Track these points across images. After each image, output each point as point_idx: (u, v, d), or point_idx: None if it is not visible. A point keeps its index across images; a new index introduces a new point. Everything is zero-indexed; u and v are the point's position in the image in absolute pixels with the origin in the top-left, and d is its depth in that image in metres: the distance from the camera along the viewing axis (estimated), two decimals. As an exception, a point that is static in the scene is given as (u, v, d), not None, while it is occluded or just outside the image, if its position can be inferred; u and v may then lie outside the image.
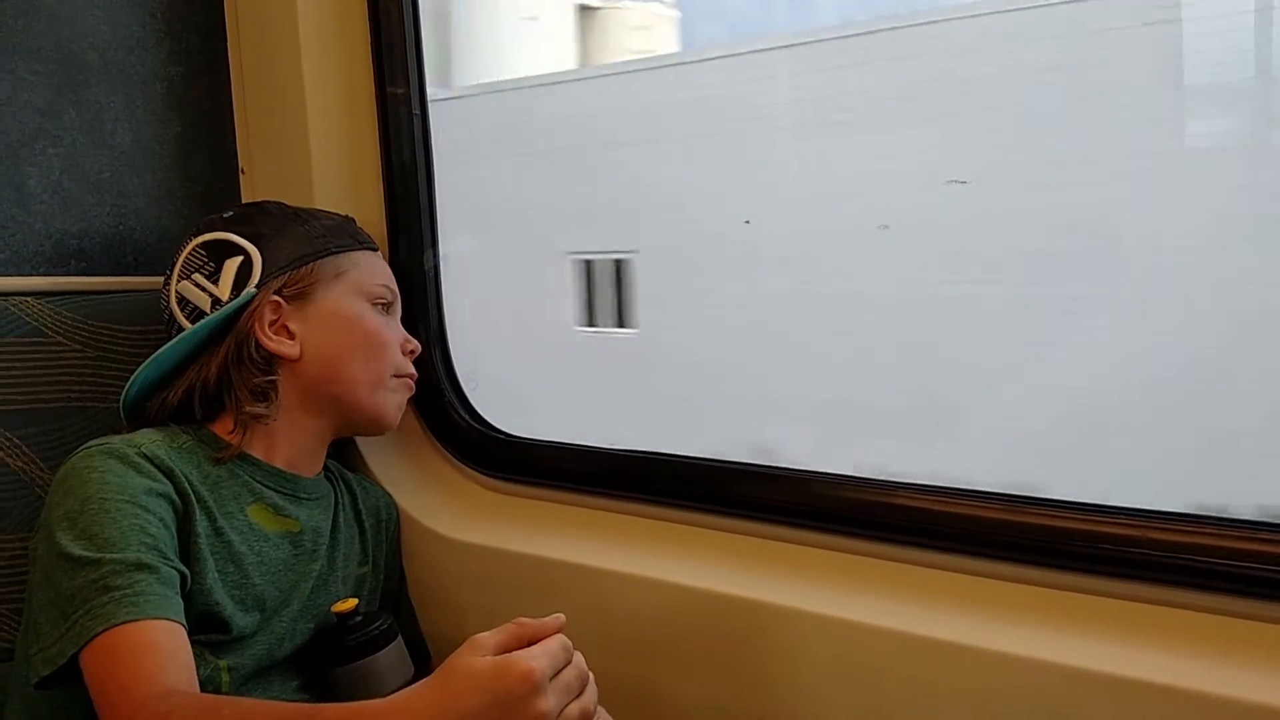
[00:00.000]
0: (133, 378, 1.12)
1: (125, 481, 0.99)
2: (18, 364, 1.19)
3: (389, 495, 1.36)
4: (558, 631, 0.86)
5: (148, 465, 1.02)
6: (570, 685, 0.84)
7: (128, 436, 1.06)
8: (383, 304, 1.23)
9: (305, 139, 1.41)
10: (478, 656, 0.81)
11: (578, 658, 0.86)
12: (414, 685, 0.83)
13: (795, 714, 1.07)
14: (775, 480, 1.21)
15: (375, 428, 1.26)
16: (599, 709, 0.88)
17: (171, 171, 1.45)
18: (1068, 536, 0.99)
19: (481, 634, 0.84)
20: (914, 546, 1.09)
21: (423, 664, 1.31)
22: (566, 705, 0.82)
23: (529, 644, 0.83)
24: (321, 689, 1.16)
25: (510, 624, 0.85)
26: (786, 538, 1.18)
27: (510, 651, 0.82)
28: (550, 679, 0.81)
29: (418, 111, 1.42)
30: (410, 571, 1.37)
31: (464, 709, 0.79)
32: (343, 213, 1.28)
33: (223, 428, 1.13)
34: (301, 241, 1.18)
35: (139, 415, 1.14)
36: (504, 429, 1.45)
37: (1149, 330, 4.63)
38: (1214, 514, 0.93)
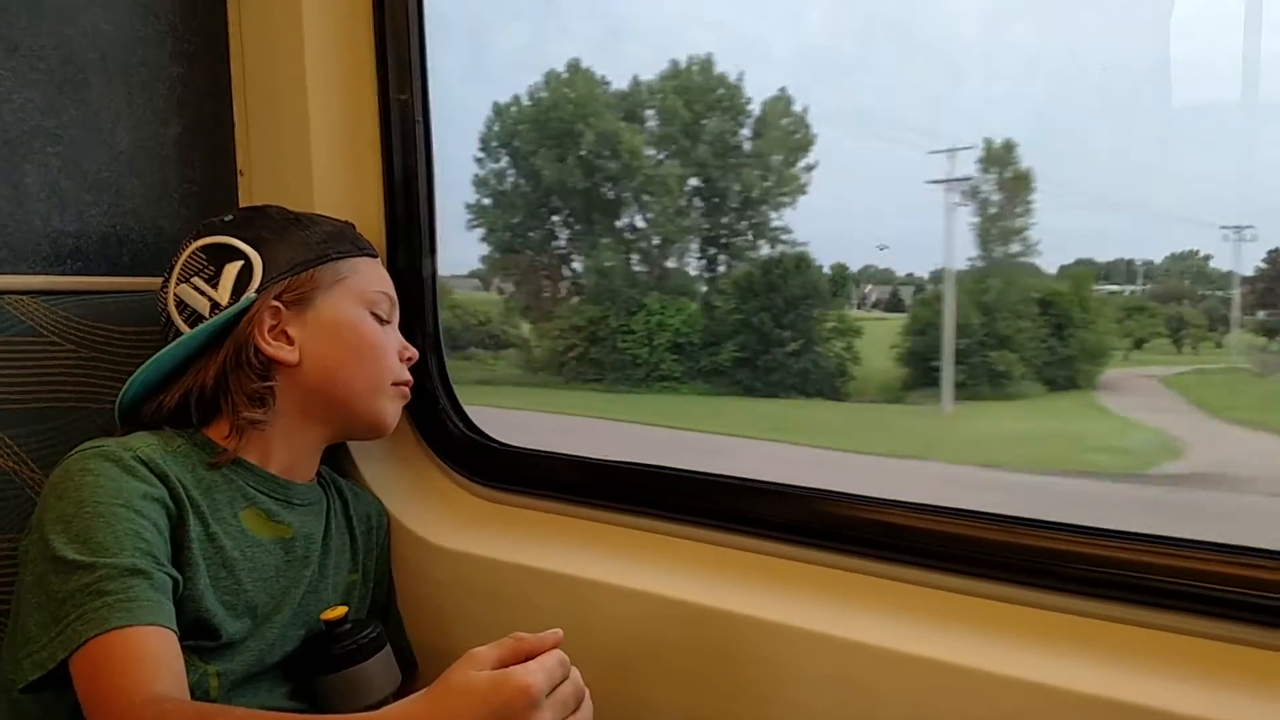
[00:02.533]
0: (130, 380, 1.11)
1: (120, 485, 0.99)
2: (11, 363, 1.18)
3: (380, 502, 1.36)
4: (555, 647, 0.86)
5: (142, 469, 1.01)
6: (566, 701, 0.84)
7: (122, 439, 1.05)
8: (381, 311, 1.23)
9: (306, 143, 1.40)
10: (475, 670, 0.81)
11: (574, 674, 0.87)
12: (411, 697, 0.83)
13: (780, 730, 1.07)
14: (766, 495, 1.21)
15: (372, 433, 1.26)
16: None
17: (170, 172, 1.44)
18: (1062, 558, 1.00)
19: (479, 648, 0.84)
20: (903, 564, 1.09)
21: (409, 672, 1.30)
22: None
23: (526, 659, 0.84)
24: (310, 696, 1.16)
25: (508, 639, 0.85)
26: (775, 552, 1.18)
27: (508, 666, 0.82)
28: (547, 695, 0.82)
29: (420, 118, 1.42)
30: (399, 579, 1.37)
31: None
32: (342, 218, 1.28)
33: (218, 432, 1.12)
34: (302, 247, 1.17)
35: (134, 418, 1.14)
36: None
37: None
38: (1211, 541, 0.94)
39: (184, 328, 1.13)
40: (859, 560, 1.12)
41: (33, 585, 0.95)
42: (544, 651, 0.85)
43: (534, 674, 0.81)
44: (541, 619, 0.91)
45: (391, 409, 1.23)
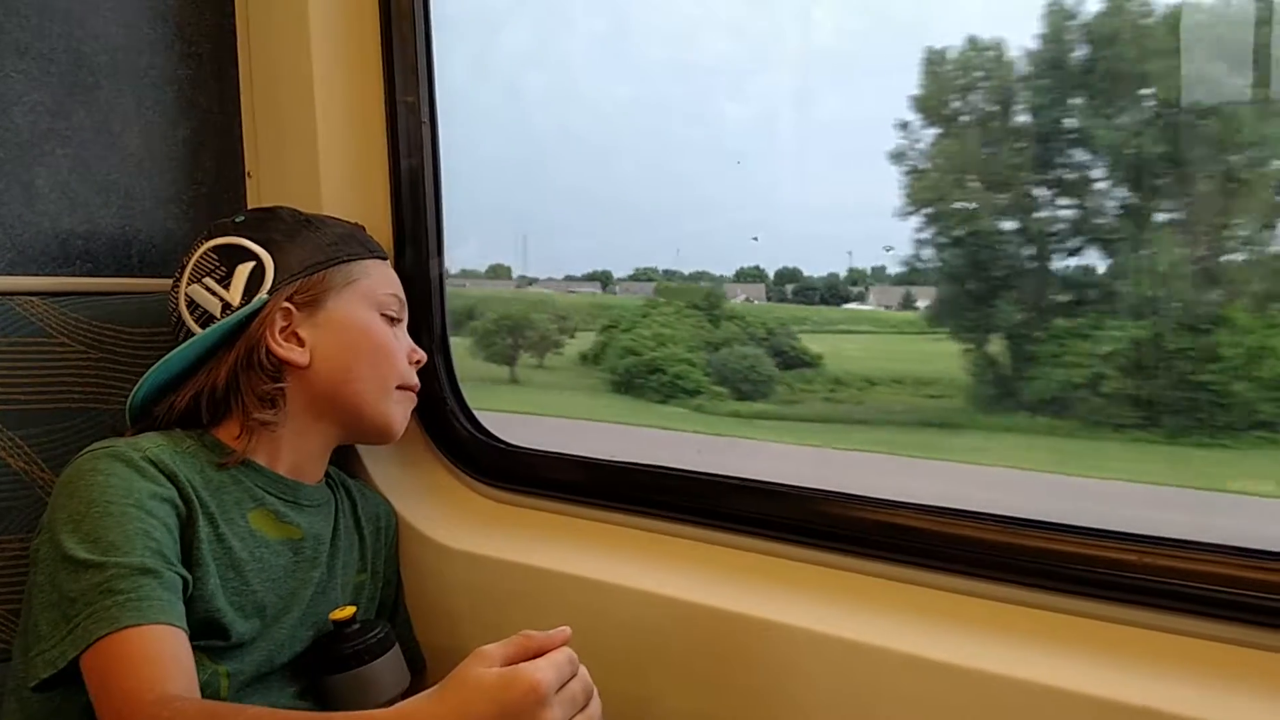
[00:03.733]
0: (141, 380, 1.12)
1: (130, 485, 0.99)
2: (21, 364, 1.19)
3: (388, 503, 1.37)
4: (564, 644, 0.86)
5: (152, 469, 1.02)
6: (576, 698, 0.85)
7: (132, 440, 1.06)
8: (391, 313, 1.23)
9: (313, 144, 1.41)
10: (484, 668, 0.82)
11: (583, 671, 0.87)
12: (420, 695, 0.83)
13: (788, 730, 1.08)
14: (774, 496, 1.22)
15: (381, 437, 1.26)
16: None
17: (179, 174, 1.45)
18: (1065, 559, 1.00)
19: (488, 645, 0.84)
20: (911, 566, 1.09)
21: (418, 672, 1.31)
22: (572, 718, 0.83)
23: (535, 656, 0.84)
24: (319, 695, 1.16)
25: (517, 636, 0.86)
26: (784, 554, 1.18)
27: (517, 664, 0.83)
28: (556, 692, 0.82)
29: (426, 120, 1.43)
30: (407, 579, 1.37)
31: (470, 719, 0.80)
32: (349, 219, 1.29)
33: (228, 433, 1.13)
34: (314, 249, 1.18)
35: (144, 418, 1.14)
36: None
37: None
38: (1209, 542, 0.95)
39: (195, 328, 1.14)
40: (861, 560, 1.12)
41: (44, 584, 0.96)
42: (553, 649, 0.85)
43: (543, 671, 0.82)
44: (549, 619, 0.91)
45: (399, 412, 1.23)
